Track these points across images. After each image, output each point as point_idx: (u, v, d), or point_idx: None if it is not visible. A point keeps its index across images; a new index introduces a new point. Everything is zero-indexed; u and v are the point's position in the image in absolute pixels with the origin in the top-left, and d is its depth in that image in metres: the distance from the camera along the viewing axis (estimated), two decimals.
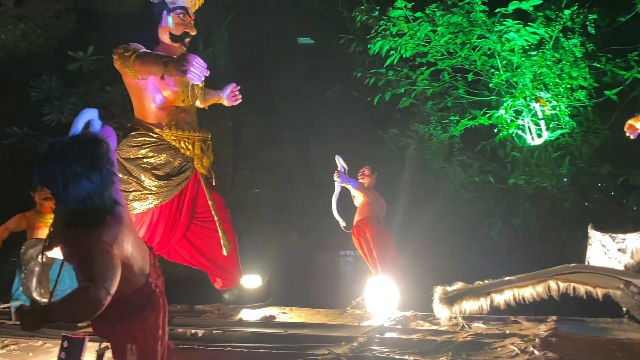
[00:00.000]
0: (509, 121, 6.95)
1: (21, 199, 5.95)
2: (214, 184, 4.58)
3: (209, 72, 3.87)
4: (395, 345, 3.22)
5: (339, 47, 8.28)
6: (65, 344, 2.53)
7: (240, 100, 4.71)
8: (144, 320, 2.21)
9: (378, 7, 7.31)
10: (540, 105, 6.84)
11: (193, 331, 3.96)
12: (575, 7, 6.47)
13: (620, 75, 6.63)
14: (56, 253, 4.36)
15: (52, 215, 5.52)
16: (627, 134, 3.68)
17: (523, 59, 6.76)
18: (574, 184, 6.98)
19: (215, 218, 4.30)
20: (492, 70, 7.10)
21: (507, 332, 3.36)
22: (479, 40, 6.81)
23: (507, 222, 7.24)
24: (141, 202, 3.92)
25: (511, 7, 6.43)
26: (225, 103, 4.76)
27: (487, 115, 7.08)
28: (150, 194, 3.93)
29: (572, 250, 6.12)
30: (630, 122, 3.65)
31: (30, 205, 5.56)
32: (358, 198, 5.50)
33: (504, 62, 6.95)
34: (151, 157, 4.03)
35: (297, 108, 9.12)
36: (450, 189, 7.48)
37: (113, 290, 1.90)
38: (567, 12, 6.46)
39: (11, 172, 7.34)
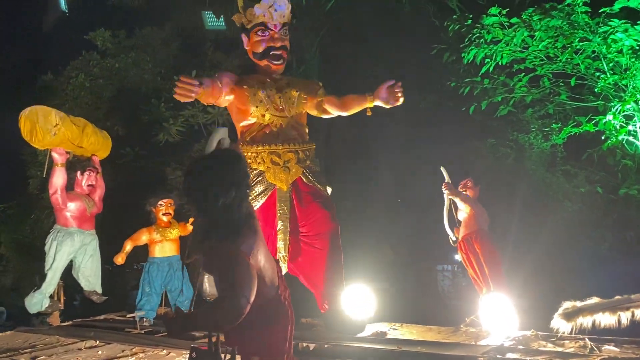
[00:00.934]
0: (618, 127, 6.50)
1: (135, 214, 6.42)
2: (323, 195, 4.54)
3: (198, 87, 3.88)
4: None
5: (432, 58, 8.19)
6: (194, 354, 2.73)
7: (402, 99, 4.26)
8: (273, 331, 2.27)
9: (471, 15, 7.16)
10: None
11: (305, 344, 4.03)
12: None
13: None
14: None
15: (172, 230, 5.95)
16: None
17: (633, 60, 6.30)
18: None
19: (283, 232, 4.28)
20: (598, 73, 6.69)
21: None
22: (581, 43, 6.47)
23: (618, 236, 6.77)
24: None
25: (617, 5, 6.03)
26: (383, 104, 4.32)
27: (593, 121, 6.67)
28: None
29: None
30: None
31: (144, 220, 5.99)
32: (464, 211, 5.36)
33: (610, 64, 6.52)
34: None
35: (389, 120, 9.11)
36: (553, 201, 7.12)
37: (252, 299, 1.99)
38: None
39: (125, 190, 7.95)
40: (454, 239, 5.38)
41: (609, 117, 6.46)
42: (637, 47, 6.25)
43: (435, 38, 8.17)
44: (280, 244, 4.27)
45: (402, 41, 9.47)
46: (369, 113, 4.43)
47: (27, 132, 5.11)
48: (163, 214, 5.83)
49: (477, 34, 6.87)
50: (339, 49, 9.68)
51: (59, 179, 5.40)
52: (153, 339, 4.60)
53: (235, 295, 1.94)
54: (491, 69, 7.00)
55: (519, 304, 4.49)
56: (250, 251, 2.09)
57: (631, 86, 6.37)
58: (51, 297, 5.60)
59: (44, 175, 5.79)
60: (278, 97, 4.29)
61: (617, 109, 6.40)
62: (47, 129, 5.05)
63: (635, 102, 6.33)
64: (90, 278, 5.79)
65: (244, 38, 4.55)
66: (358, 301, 4.52)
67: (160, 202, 5.88)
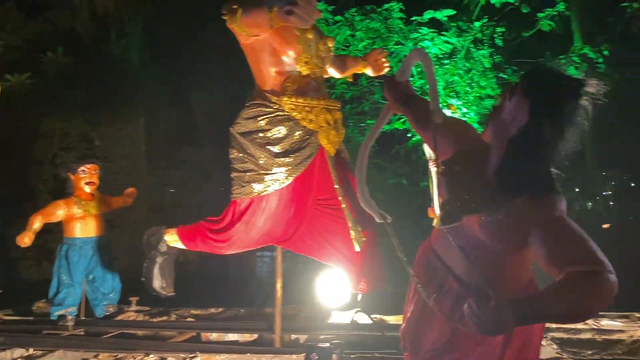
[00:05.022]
0: None
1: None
2: (348, 162, 3.77)
3: (320, 13, 3.13)
4: None
5: None
6: (314, 356, 2.48)
7: (388, 69, 3.89)
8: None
9: None
10: (451, 112, 7.11)
11: (294, 336, 3.81)
12: (485, 20, 6.84)
13: None
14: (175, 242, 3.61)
15: (97, 204, 4.85)
16: None
17: (437, 66, 7.02)
18: None
19: (344, 206, 3.45)
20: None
21: None
22: (396, 47, 7.00)
23: (419, 225, 7.51)
24: (259, 183, 3.28)
25: (426, 15, 6.68)
26: (371, 72, 3.95)
27: (402, 120, 7.30)
28: (267, 174, 3.26)
29: None
30: None
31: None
32: None
33: (419, 69, 7.18)
34: (267, 130, 3.33)
35: (215, 105, 8.92)
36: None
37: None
38: (477, 24, 6.81)
39: None
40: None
41: None
42: (441, 55, 6.97)
43: None
44: (348, 216, 3.42)
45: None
46: (350, 79, 4.11)
47: None
48: (86, 183, 4.79)
49: None
50: (162, 26, 9.18)
51: None
52: (109, 342, 3.90)
53: (605, 270, 1.42)
54: None
55: None
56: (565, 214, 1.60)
57: None
58: None
59: None
60: (322, 44, 3.47)
61: None
62: None
63: None
64: None
65: None
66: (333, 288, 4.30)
67: (82, 168, 4.81)
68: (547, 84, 1.55)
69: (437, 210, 5.85)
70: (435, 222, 1.88)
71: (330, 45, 3.57)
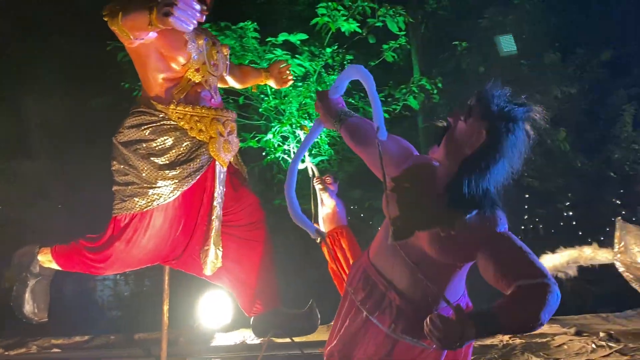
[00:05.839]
0: (276, 145, 7.34)
1: None
2: (245, 176, 3.53)
3: (204, 17, 2.93)
4: None
5: (107, 55, 7.73)
6: None
7: (292, 82, 3.81)
8: None
9: None
10: (304, 133, 7.35)
11: None
12: (336, 47, 7.22)
13: (366, 112, 7.57)
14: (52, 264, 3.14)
15: None
16: None
17: (290, 88, 7.21)
18: None
19: (213, 226, 3.18)
20: (262, 96, 7.43)
21: None
22: (251, 65, 7.06)
23: (273, 241, 7.61)
24: (141, 198, 2.98)
25: (281, 38, 6.86)
26: (274, 84, 3.79)
27: (257, 138, 7.37)
28: (151, 187, 2.97)
29: None
30: None
31: None
32: (328, 207, 5.53)
33: (273, 89, 7.33)
34: (151, 140, 3.03)
35: (51, 113, 8.21)
36: None
37: None
38: (328, 50, 7.15)
39: None
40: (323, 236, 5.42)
41: (270, 136, 7.25)
42: (295, 78, 7.18)
43: (111, 33, 7.76)
44: (214, 237, 3.17)
45: (78, 33, 8.71)
46: (254, 89, 3.88)
47: None
48: None
49: None
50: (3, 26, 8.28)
51: None
52: None
53: (548, 280, 1.53)
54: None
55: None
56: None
57: (288, 111, 7.29)
58: None
59: None
60: (215, 50, 3.29)
61: (276, 129, 7.23)
62: None
63: (291, 125, 7.26)
64: None
65: None
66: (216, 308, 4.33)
67: None
68: (503, 107, 1.65)
69: (321, 227, 6.26)
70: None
71: (225, 52, 3.44)
